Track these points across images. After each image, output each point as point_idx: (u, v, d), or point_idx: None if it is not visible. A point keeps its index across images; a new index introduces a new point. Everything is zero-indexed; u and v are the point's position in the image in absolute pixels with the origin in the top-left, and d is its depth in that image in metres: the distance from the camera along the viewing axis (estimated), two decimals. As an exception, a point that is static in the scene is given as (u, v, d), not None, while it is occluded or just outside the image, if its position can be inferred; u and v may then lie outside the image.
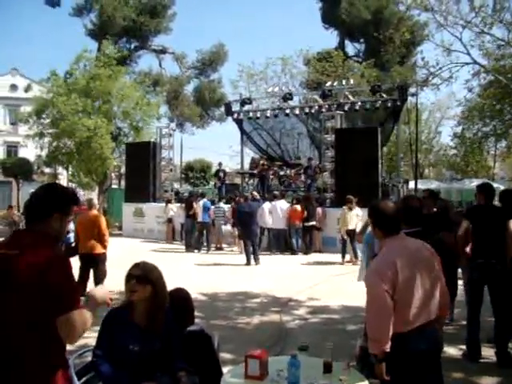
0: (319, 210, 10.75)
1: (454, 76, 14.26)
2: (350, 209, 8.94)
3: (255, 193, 11.01)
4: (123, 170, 18.95)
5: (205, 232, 11.07)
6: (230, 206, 11.17)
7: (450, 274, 2.38)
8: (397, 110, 13.51)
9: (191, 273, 7.93)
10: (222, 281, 7.22)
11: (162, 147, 14.85)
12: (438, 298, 2.23)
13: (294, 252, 10.35)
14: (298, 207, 10.56)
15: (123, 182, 18.78)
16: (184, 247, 11.09)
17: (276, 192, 11.37)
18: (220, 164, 15.06)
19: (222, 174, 14.39)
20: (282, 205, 10.56)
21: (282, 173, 14.83)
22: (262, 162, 13.92)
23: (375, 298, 2.10)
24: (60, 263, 1.67)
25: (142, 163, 14.08)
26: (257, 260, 8.68)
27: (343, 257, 9.00)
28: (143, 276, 2.16)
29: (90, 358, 2.19)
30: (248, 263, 8.59)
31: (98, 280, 5.90)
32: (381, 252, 2.23)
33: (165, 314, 2.17)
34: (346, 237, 8.99)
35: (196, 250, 10.84)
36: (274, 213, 10.44)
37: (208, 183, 44.59)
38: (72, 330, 1.62)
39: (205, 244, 11.05)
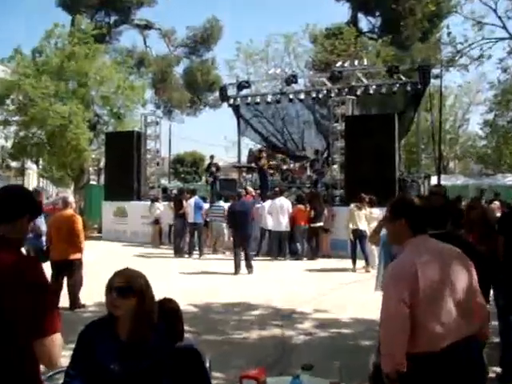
0: (327, 209, 10.78)
1: (486, 54, 13.89)
2: (359, 208, 8.97)
3: (250, 188, 11.04)
4: (103, 163, 18.94)
5: (197, 234, 11.07)
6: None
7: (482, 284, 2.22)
8: (417, 95, 13.50)
9: (181, 281, 7.95)
10: (217, 290, 7.25)
11: (147, 137, 14.83)
12: (474, 312, 2.05)
13: (298, 257, 10.38)
14: (303, 206, 10.58)
15: (102, 178, 18.73)
16: (173, 252, 11.11)
17: (277, 189, 11.40)
18: (212, 157, 15.03)
19: (214, 169, 14.38)
20: (285, 203, 10.58)
21: (284, 167, 14.85)
22: (261, 154, 13.91)
23: (389, 306, 1.99)
24: (33, 269, 1.68)
25: (125, 156, 14.06)
26: (249, 268, 8.66)
27: (354, 262, 9.02)
28: (127, 286, 2.11)
29: (61, 381, 2.13)
30: (236, 272, 8.58)
31: (73, 290, 5.90)
32: (401, 254, 2.13)
33: (154, 328, 2.15)
34: (352, 238, 9.03)
35: (187, 255, 10.87)
36: (276, 212, 10.47)
37: (200, 179, 44.56)
38: (51, 355, 1.64)
39: (197, 248, 11.07)
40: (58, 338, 1.65)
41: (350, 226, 9.00)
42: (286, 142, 16.70)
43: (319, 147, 14.92)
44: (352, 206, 9.09)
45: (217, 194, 12.54)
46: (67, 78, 16.68)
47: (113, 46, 27.23)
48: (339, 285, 7.63)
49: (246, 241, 8.74)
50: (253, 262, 8.90)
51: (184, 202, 11.13)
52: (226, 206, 10.80)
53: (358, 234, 8.91)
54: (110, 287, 2.12)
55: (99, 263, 8.79)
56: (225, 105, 16.54)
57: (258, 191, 13.87)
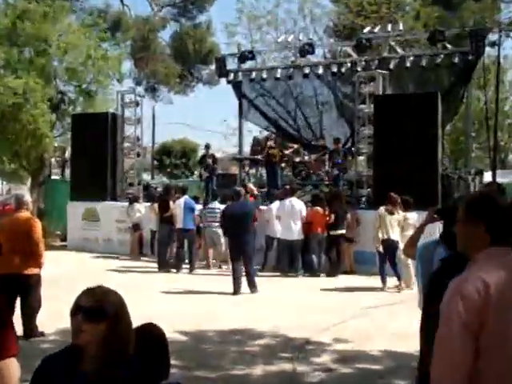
0: (350, 213, 10.83)
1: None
2: (391, 212, 8.97)
3: (251, 186, 11.11)
4: (68, 153, 19.04)
5: (187, 243, 11.15)
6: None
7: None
8: (468, 68, 13.47)
9: (167, 302, 8.00)
10: (212, 314, 7.29)
11: (125, 121, 14.92)
12: None
13: (313, 273, 10.44)
14: (321, 209, 10.60)
15: (68, 172, 18.81)
16: (157, 265, 11.18)
17: (287, 187, 11.43)
18: (207, 147, 15.08)
19: (209, 161, 14.45)
20: (297, 205, 10.62)
21: (297, 159, 14.90)
22: (269, 143, 13.96)
23: (447, 331, 1.86)
24: None
25: (96, 144, 14.16)
26: (252, 286, 8.71)
27: (384, 280, 9.04)
28: (96, 308, 2.10)
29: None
30: (236, 291, 8.62)
31: (29, 313, 5.88)
32: (471, 266, 2.01)
33: (128, 363, 2.15)
34: (381, 250, 9.06)
35: (174, 270, 10.94)
36: (286, 217, 10.51)
37: (192, 174, 44.64)
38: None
39: (187, 261, 11.15)
40: (13, 364, 1.65)
41: (380, 234, 9.02)
42: (299, 128, 16.76)
43: (341, 135, 14.95)
44: (382, 209, 9.10)
45: (212, 193, 12.58)
46: (21, 44, 16.52)
47: (80, 4, 27.18)
48: (365, 309, 7.64)
49: (247, 252, 8.77)
50: (257, 279, 8.93)
51: (171, 202, 11.19)
52: (222, 207, 10.84)
53: (390, 245, 8.93)
54: (76, 308, 2.11)
55: (63, 280, 8.85)
56: (223, 81, 16.60)
57: (264, 190, 13.94)
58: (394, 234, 8.90)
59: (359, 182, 12.52)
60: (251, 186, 10.84)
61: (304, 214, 10.56)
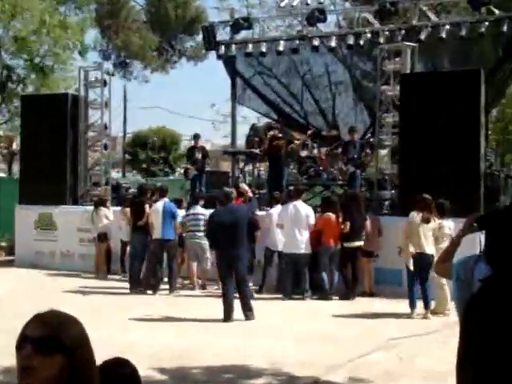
0: (370, 220, 10.83)
1: None
2: (426, 220, 8.94)
3: (244, 186, 11.06)
4: (17, 145, 18.99)
5: (166, 258, 11.19)
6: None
7: None
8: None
9: (141, 331, 7.99)
10: (197, 347, 7.28)
11: (88, 105, 14.94)
12: None
13: (324, 295, 10.47)
14: (333, 215, 10.63)
15: (16, 168, 18.77)
16: (128, 285, 11.19)
17: (291, 187, 11.50)
18: (196, 137, 15.08)
19: (199, 155, 14.49)
20: (304, 210, 10.65)
21: (304, 153, 14.93)
22: (271, 132, 13.93)
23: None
24: None
25: (53, 134, 14.14)
26: (248, 311, 8.71)
27: (413, 305, 9.02)
28: (49, 338, 2.07)
29: None
30: (227, 318, 8.62)
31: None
32: None
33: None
34: (411, 265, 9.01)
35: (150, 291, 10.96)
36: (290, 225, 10.52)
37: (173, 171, 44.65)
38: None
39: (166, 279, 11.17)
40: None
41: (411, 248, 8.98)
42: (306, 114, 16.82)
43: (358, 123, 15.00)
44: (414, 215, 9.01)
45: (195, 196, 12.57)
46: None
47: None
48: (388, 341, 7.62)
49: (240, 269, 8.78)
50: (253, 302, 8.94)
51: (147, 207, 11.22)
52: (206, 213, 10.84)
53: (423, 261, 8.83)
54: (23, 339, 2.08)
55: (7, 304, 8.81)
56: (212, 56, 16.71)
57: (263, 191, 13.93)
58: (429, 247, 8.86)
59: (381, 182, 12.53)
60: (244, 186, 10.82)
61: (312, 222, 10.56)
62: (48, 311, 2.17)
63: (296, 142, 14.95)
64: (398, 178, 11.83)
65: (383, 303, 9.92)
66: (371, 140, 14.15)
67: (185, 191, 15.31)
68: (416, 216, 8.98)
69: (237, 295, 8.82)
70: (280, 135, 13.71)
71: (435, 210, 8.99)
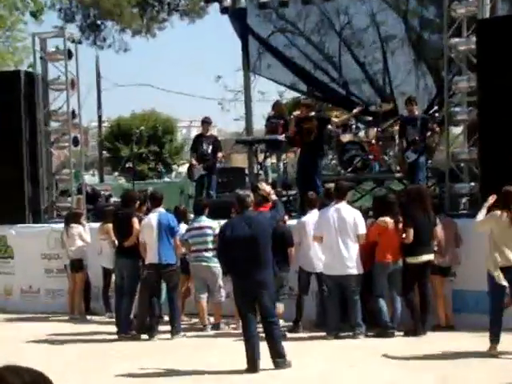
0: (443, 224, 10.81)
1: None
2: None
3: (265, 187, 10.79)
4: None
5: (166, 289, 11.25)
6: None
7: None
8: None
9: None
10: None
11: (49, 85, 15.04)
12: None
13: (384, 330, 10.49)
14: (391, 221, 10.61)
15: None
16: (115, 328, 11.24)
17: (331, 185, 11.48)
18: (206, 122, 15.03)
19: (207, 148, 14.51)
20: (351, 215, 10.62)
21: (346, 137, 14.95)
22: (297, 111, 13.87)
23: None
24: None
25: (0, 126, 14.21)
26: (279, 358, 8.70)
27: (496, 338, 8.96)
28: None
29: None
30: (251, 368, 8.62)
31: None
32: None
33: None
34: (505, 283, 8.94)
35: (145, 335, 11.04)
36: (333, 236, 10.52)
37: (169, 170, 44.61)
38: None
39: (166, 318, 11.24)
40: None
41: (498, 257, 8.95)
42: (347, 83, 16.73)
43: (420, 92, 14.85)
44: (498, 214, 9.02)
45: (197, 205, 12.49)
46: None
47: None
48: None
49: (265, 300, 8.76)
50: (286, 344, 8.90)
51: (136, 221, 11.29)
52: (216, 226, 10.87)
53: (510, 277, 8.87)
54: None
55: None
56: (215, 9, 16.68)
57: (293, 192, 13.88)
58: None
59: (455, 173, 12.46)
60: (265, 186, 10.64)
61: (363, 231, 10.54)
62: (4, 368, 2.18)
63: (334, 120, 14.89)
64: (479, 165, 11.74)
65: (466, 339, 9.85)
66: (438, 115, 14.04)
67: (186, 198, 15.36)
68: (500, 215, 8.96)
69: (263, 335, 8.81)
70: (312, 114, 13.60)
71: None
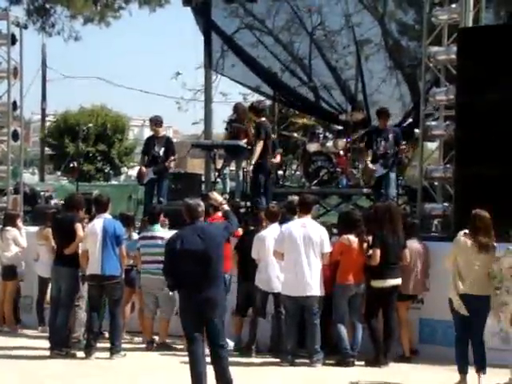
0: (413, 246, 10.88)
1: None
2: (482, 246, 8.96)
3: (216, 195, 10.61)
4: None
5: (108, 303, 11.19)
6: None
7: None
8: None
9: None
10: None
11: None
12: None
13: (344, 358, 10.50)
14: (355, 240, 10.67)
15: None
16: (48, 344, 11.15)
17: (293, 197, 11.49)
18: (156, 121, 14.83)
19: (159, 149, 14.48)
20: (314, 232, 10.62)
21: (312, 146, 14.99)
22: (261, 114, 13.82)
23: None
24: None
25: None
26: (225, 383, 8.62)
27: (463, 370, 8.98)
28: None
29: None
30: None
31: None
32: None
33: None
34: (464, 312, 9.02)
35: (80, 351, 10.99)
36: (295, 254, 10.51)
37: (118, 172, 44.21)
38: None
39: (106, 335, 11.26)
40: None
41: (460, 284, 9.04)
42: (317, 88, 16.78)
43: (393, 104, 14.99)
44: (461, 237, 9.12)
45: (151, 213, 12.43)
46: None
47: None
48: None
49: (215, 320, 8.64)
50: (234, 369, 8.81)
51: (79, 227, 11.25)
52: (167, 236, 10.82)
53: (475, 305, 8.96)
54: None
55: None
56: (176, 0, 16.60)
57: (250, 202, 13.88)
58: (484, 286, 8.98)
59: (428, 191, 12.55)
60: (216, 195, 10.48)
61: (328, 250, 10.52)
62: None
63: (299, 124, 14.90)
64: (454, 184, 11.83)
65: (431, 372, 9.91)
66: (413, 128, 14.16)
67: (135, 203, 15.29)
68: (463, 238, 9.06)
69: (209, 359, 8.75)
70: (261, 120, 13.42)
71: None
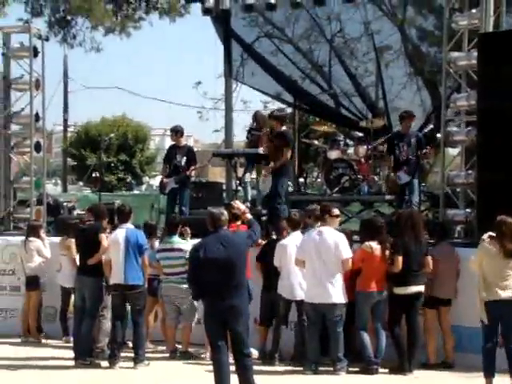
0: (436, 251, 10.85)
1: None
2: (508, 252, 8.91)
3: (239, 204, 10.62)
4: None
5: (131, 313, 11.21)
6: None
7: None
8: None
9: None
10: None
11: (11, 84, 15.01)
12: None
13: (368, 366, 10.46)
14: (378, 247, 10.66)
15: None
16: (72, 354, 11.18)
17: (313, 206, 11.45)
18: (177, 131, 14.75)
19: (180, 159, 14.42)
20: (334, 239, 10.58)
21: (333, 154, 14.96)
22: (283, 122, 13.72)
23: None
24: None
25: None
26: None
27: (488, 375, 8.93)
28: None
29: None
30: None
31: None
32: None
33: None
34: (485, 319, 8.99)
35: (104, 361, 10.99)
36: (315, 261, 10.53)
37: (139, 182, 44.19)
38: None
39: (129, 344, 11.27)
40: None
41: (483, 292, 9.01)
42: (336, 95, 16.77)
43: (415, 108, 14.92)
44: (485, 242, 9.08)
45: (170, 223, 12.40)
46: None
47: None
48: None
49: (239, 329, 8.64)
50: (257, 379, 8.79)
51: (102, 237, 11.27)
52: (187, 247, 10.91)
53: (503, 311, 8.94)
54: None
55: None
56: (197, 8, 16.69)
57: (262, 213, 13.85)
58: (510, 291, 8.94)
59: (450, 197, 12.52)
60: (239, 204, 10.46)
61: (347, 256, 10.46)
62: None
63: (320, 131, 14.82)
64: (477, 190, 11.78)
65: (456, 380, 9.86)
66: (434, 134, 14.11)
67: (157, 212, 15.29)
68: (488, 244, 9.02)
69: (234, 368, 8.72)
70: (283, 129, 13.36)
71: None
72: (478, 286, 9.09)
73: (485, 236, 9.09)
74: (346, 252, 10.51)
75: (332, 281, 10.41)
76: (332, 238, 10.56)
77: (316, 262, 10.48)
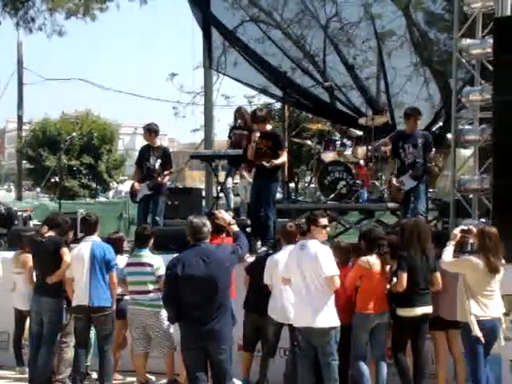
0: (444, 267, 10.76)
1: None
2: (493, 268, 9.18)
3: (224, 214, 10.65)
4: None
5: (96, 337, 11.25)
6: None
7: None
8: None
9: None
10: None
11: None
12: None
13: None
14: (378, 262, 10.64)
15: None
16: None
17: (307, 216, 11.31)
18: (152, 130, 14.69)
19: (154, 162, 14.40)
20: (314, 252, 10.19)
21: (328, 155, 15.03)
22: (267, 120, 13.80)
23: None
24: None
25: None
26: None
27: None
28: None
29: None
30: None
31: None
32: None
33: None
34: (477, 332, 9.23)
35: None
36: (297, 281, 10.34)
37: (106, 187, 44.29)
38: None
39: (94, 375, 11.32)
40: None
41: (472, 306, 9.30)
42: (332, 88, 16.82)
43: (421, 103, 15.01)
44: (473, 259, 9.38)
45: (140, 235, 12.35)
46: None
47: None
48: None
49: (222, 357, 8.70)
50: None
51: (64, 251, 11.27)
52: (158, 262, 10.96)
53: (487, 330, 9.23)
54: None
55: None
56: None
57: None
58: (497, 307, 9.21)
59: (462, 206, 12.55)
60: (224, 213, 10.46)
61: (330, 273, 9.95)
62: None
63: (313, 130, 14.86)
64: (492, 196, 11.81)
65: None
66: (444, 133, 14.17)
67: (126, 223, 15.33)
68: (475, 259, 9.27)
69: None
70: (268, 128, 13.28)
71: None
72: (463, 301, 9.34)
73: (456, 231, 9.30)
74: (329, 269, 10.01)
75: (316, 301, 10.07)
76: (314, 252, 10.15)
77: (299, 280, 10.17)
